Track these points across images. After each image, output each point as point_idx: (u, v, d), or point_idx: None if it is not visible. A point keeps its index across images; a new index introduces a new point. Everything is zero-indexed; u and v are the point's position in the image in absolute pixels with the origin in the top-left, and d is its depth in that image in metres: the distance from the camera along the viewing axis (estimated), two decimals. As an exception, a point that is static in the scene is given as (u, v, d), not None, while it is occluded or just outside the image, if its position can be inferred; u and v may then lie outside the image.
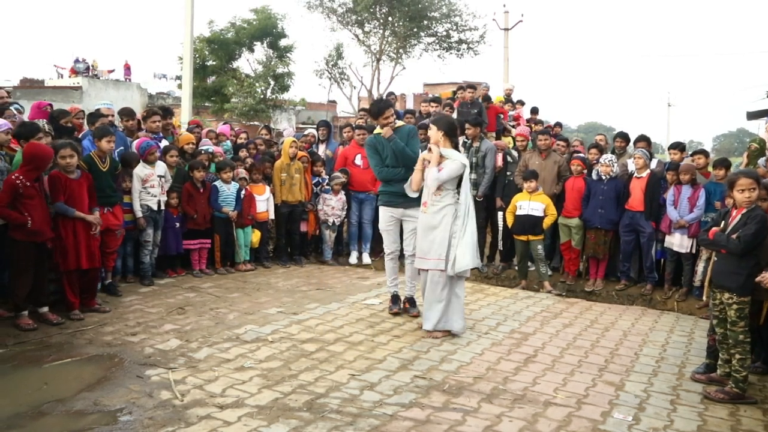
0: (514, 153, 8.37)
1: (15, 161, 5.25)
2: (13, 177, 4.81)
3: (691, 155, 7.49)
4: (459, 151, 5.50)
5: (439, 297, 5.05)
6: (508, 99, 12.42)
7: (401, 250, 5.68)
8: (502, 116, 10.57)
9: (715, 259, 4.28)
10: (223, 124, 10.69)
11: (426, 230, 5.09)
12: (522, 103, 12.91)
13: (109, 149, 5.84)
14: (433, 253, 5.04)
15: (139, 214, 6.35)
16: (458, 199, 5.08)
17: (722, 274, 4.15)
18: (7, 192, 4.77)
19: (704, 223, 6.24)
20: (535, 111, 13.24)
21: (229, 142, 8.57)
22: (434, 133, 5.14)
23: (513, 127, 10.66)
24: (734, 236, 4.04)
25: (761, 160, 6.83)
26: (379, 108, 5.55)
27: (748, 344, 4.08)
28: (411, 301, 5.75)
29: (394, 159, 5.45)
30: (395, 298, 5.76)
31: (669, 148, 7.84)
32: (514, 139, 9.54)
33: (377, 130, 5.65)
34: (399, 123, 5.68)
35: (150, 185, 6.44)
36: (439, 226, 5.03)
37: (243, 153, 8.13)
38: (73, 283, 5.26)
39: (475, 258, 5.17)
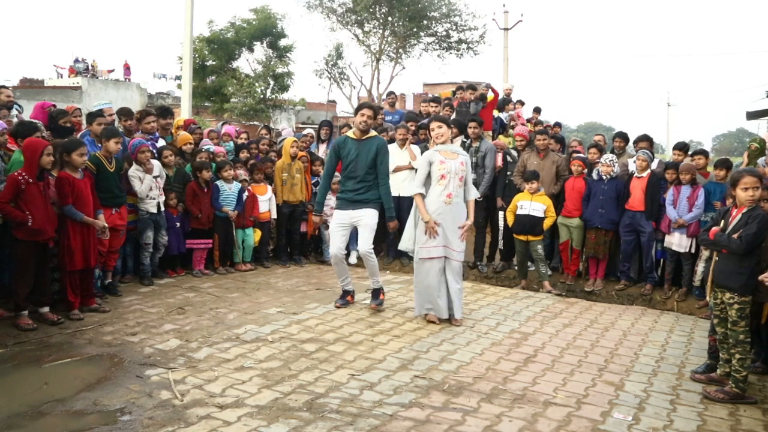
0: (514, 153, 8.36)
1: (12, 160, 5.25)
2: (15, 173, 4.83)
3: (691, 155, 7.49)
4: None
5: (460, 286, 5.55)
6: (507, 99, 12.41)
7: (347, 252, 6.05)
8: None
9: (717, 259, 4.28)
10: (222, 123, 10.68)
11: (453, 221, 5.42)
12: (522, 102, 12.91)
13: (117, 150, 5.86)
14: (461, 245, 5.46)
15: (153, 175, 6.40)
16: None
17: (724, 274, 4.14)
18: (9, 188, 4.78)
19: (704, 222, 6.24)
20: (537, 110, 13.22)
21: (231, 143, 8.58)
22: (445, 130, 5.56)
23: (512, 127, 10.66)
24: (735, 236, 4.04)
25: (761, 160, 6.81)
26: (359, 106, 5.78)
27: (748, 344, 4.08)
28: (376, 292, 5.96)
29: (355, 167, 5.61)
30: (345, 294, 5.98)
31: (673, 149, 7.81)
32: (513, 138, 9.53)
33: (349, 133, 5.70)
34: (372, 133, 5.81)
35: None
36: (466, 218, 5.49)
37: (244, 154, 8.12)
38: (74, 283, 5.26)
39: None
